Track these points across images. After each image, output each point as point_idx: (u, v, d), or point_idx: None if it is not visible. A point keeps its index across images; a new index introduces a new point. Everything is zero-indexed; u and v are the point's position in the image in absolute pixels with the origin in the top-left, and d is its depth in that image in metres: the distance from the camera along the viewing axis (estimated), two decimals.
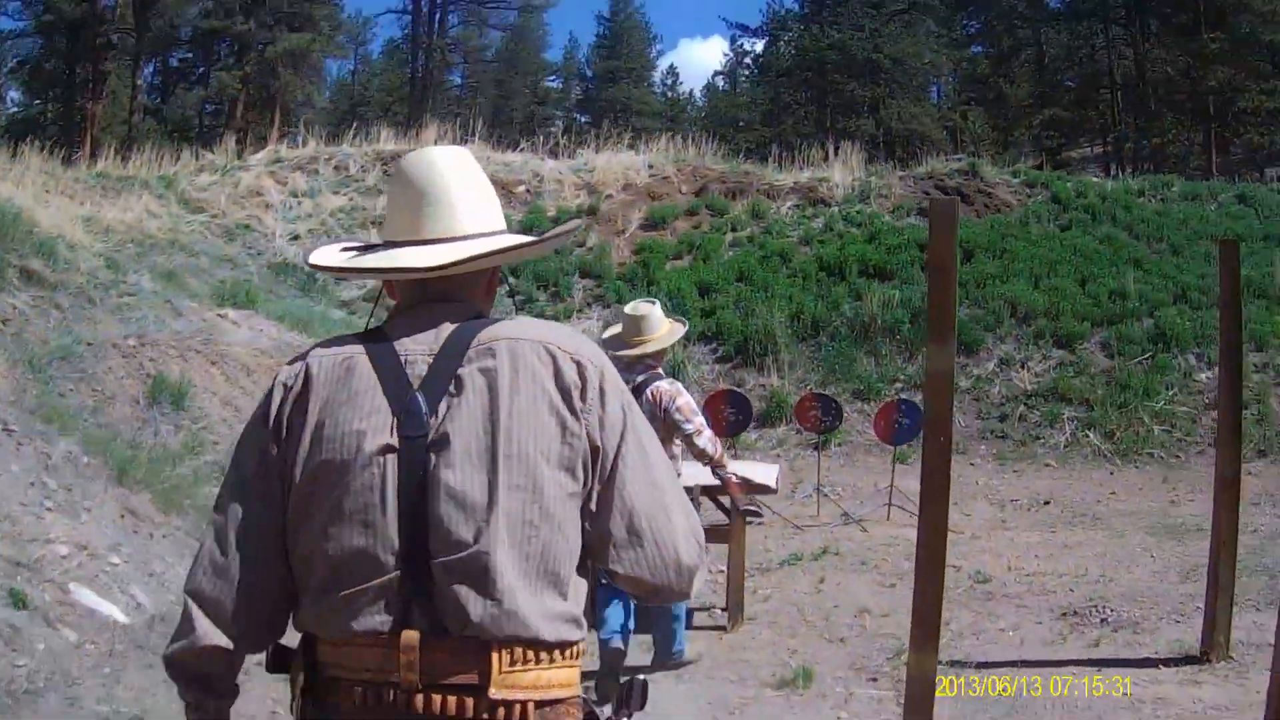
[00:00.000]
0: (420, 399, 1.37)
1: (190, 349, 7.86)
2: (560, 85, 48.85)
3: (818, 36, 33.95)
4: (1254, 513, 7.81)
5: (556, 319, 12.69)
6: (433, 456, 1.34)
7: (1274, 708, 3.29)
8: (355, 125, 18.72)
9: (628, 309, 4.40)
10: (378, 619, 1.31)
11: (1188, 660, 4.67)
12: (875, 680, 4.57)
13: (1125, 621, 5.34)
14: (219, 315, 9.49)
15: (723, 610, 5.47)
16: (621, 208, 15.18)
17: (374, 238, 1.77)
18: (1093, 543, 7.27)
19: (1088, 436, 10.46)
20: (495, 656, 1.29)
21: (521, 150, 17.54)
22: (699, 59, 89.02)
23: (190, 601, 1.39)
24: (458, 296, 1.49)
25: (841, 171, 16.00)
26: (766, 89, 37.93)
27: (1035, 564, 6.64)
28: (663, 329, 4.34)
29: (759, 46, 39.90)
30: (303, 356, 1.46)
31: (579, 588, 1.40)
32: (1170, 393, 10.87)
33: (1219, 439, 4.89)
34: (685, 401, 4.35)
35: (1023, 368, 11.44)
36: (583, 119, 40.99)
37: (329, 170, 16.06)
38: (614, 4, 46.72)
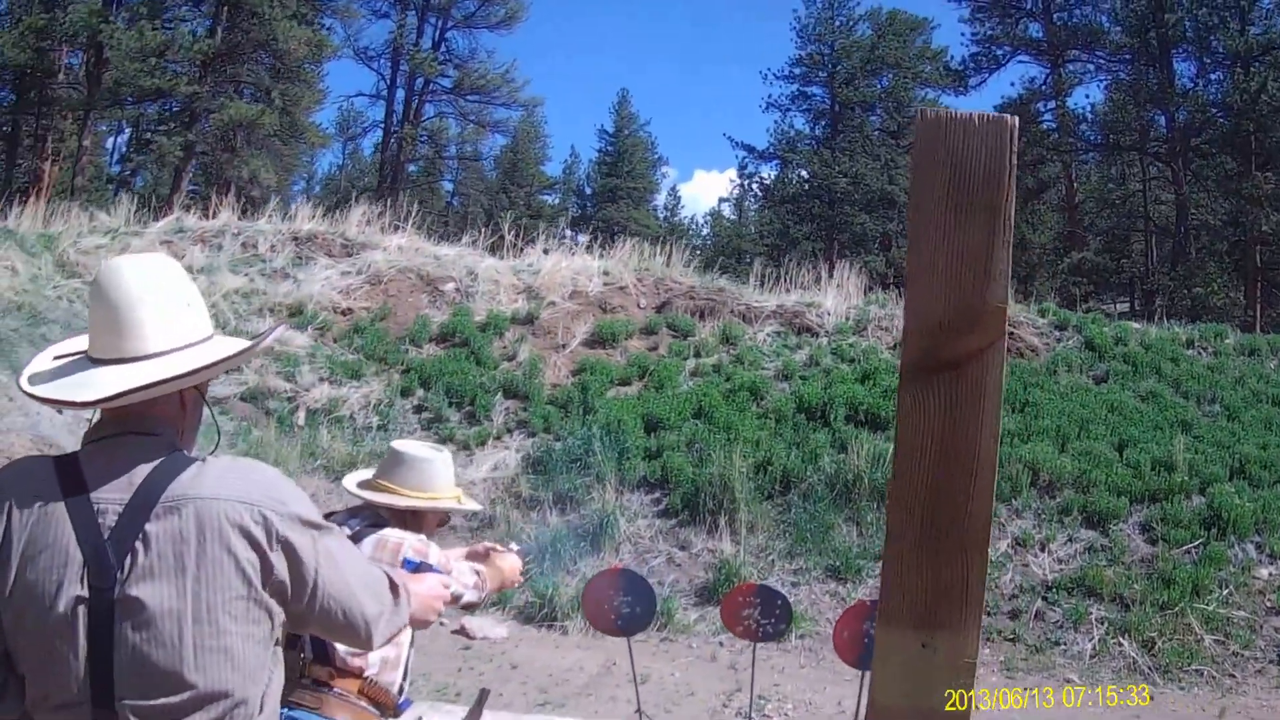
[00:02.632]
0: (109, 551, 1.48)
1: None
2: (557, 200, 47.58)
3: (829, 161, 32.30)
4: None
5: (468, 445, 10.33)
6: (121, 614, 1.47)
7: None
8: (275, 201, 16.74)
9: (400, 446, 2.96)
10: None
11: None
12: None
13: None
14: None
15: None
16: (565, 318, 12.64)
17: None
18: None
19: (1120, 645, 7.91)
20: None
21: (457, 244, 15.04)
22: (713, 188, 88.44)
23: None
24: (152, 429, 1.56)
25: (835, 297, 13.49)
26: (773, 218, 36.18)
27: None
28: (442, 490, 2.88)
29: (768, 172, 38.48)
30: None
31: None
32: (1224, 592, 8.40)
33: None
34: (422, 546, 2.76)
35: (1043, 550, 8.87)
36: (579, 238, 39.31)
37: (235, 246, 13.76)
38: (618, 120, 45.82)
